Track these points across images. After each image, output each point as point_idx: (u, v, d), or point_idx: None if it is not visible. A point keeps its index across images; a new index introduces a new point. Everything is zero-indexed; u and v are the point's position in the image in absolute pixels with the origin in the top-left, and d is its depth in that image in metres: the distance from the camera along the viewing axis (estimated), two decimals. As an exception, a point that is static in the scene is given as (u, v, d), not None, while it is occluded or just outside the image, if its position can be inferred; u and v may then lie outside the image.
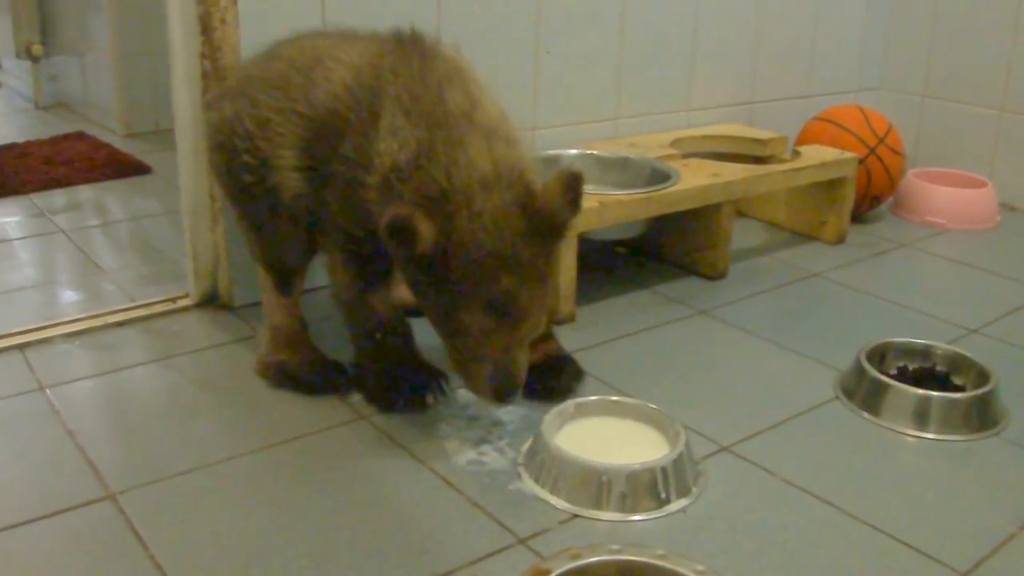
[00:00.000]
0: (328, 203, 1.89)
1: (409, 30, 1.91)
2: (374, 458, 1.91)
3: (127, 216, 3.33)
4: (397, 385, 2.03)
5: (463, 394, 2.10)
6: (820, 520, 1.78)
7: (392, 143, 1.76)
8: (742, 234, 3.20)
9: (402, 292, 2.38)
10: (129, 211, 3.38)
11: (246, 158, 2.00)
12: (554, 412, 1.93)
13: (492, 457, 1.92)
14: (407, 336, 2.04)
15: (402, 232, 1.65)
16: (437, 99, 1.79)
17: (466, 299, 1.70)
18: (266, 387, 2.15)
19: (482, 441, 1.97)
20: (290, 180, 1.95)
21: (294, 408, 2.08)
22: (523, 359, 1.80)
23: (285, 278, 2.14)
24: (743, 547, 1.69)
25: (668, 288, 2.77)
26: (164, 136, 3.98)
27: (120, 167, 3.82)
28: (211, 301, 2.55)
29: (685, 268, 2.90)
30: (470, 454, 1.93)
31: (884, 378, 2.15)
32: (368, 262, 1.94)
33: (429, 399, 2.04)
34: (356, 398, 2.10)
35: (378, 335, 1.99)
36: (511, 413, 2.07)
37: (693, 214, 2.79)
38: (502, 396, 1.79)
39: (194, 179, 2.44)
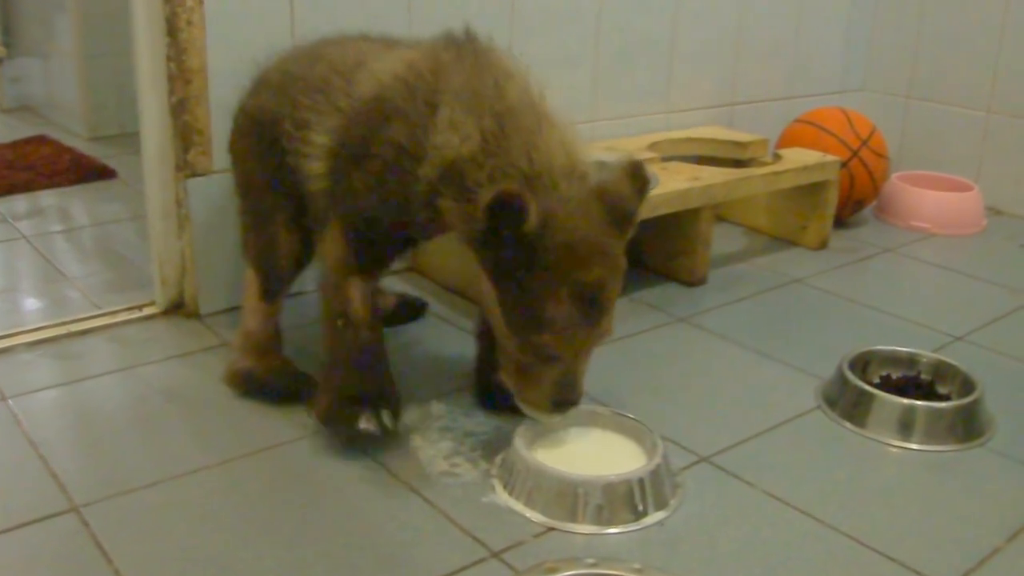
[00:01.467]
0: (353, 184, 1.88)
1: (463, 31, 1.91)
2: (345, 470, 1.91)
3: (91, 222, 3.32)
4: (342, 398, 1.96)
5: (437, 406, 2.10)
6: (801, 533, 1.79)
7: (452, 137, 1.76)
8: (722, 239, 3.21)
9: (383, 300, 2.39)
10: (94, 216, 3.37)
11: (280, 161, 2.02)
12: (528, 423, 1.93)
13: (465, 469, 1.93)
14: (375, 340, 1.98)
15: (512, 208, 1.63)
16: (496, 93, 1.79)
17: (556, 287, 1.68)
18: (235, 397, 2.15)
19: (455, 452, 1.97)
20: (317, 166, 1.94)
21: (263, 419, 2.08)
22: (586, 368, 1.82)
23: (272, 284, 2.14)
24: (722, 561, 1.70)
25: (646, 295, 2.78)
26: (129, 139, 3.97)
27: (84, 171, 3.81)
28: (177, 309, 2.55)
29: (664, 274, 2.91)
30: (442, 466, 1.93)
31: (867, 387, 2.16)
32: (372, 242, 1.93)
33: (362, 423, 1.93)
34: (326, 408, 2.11)
35: (339, 322, 1.95)
36: (484, 424, 2.08)
37: (672, 219, 2.79)
38: (563, 405, 1.80)
39: (160, 184, 2.43)
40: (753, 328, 2.61)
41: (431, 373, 2.12)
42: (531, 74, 1.87)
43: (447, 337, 2.46)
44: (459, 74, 1.82)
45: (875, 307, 2.77)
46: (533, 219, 1.64)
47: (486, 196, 1.64)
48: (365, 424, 1.94)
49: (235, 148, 2.18)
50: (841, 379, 2.20)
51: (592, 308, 1.71)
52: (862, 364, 2.28)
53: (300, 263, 2.15)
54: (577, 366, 1.78)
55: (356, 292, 1.95)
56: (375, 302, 1.99)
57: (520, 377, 1.81)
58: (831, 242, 3.25)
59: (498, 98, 1.78)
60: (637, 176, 1.77)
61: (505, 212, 1.63)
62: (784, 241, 3.28)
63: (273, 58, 2.17)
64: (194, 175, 2.41)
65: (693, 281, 2.86)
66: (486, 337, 2.10)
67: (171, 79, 2.34)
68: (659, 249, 2.90)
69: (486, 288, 1.79)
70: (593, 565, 1.55)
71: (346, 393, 1.96)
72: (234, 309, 2.48)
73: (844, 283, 2.95)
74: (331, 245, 1.95)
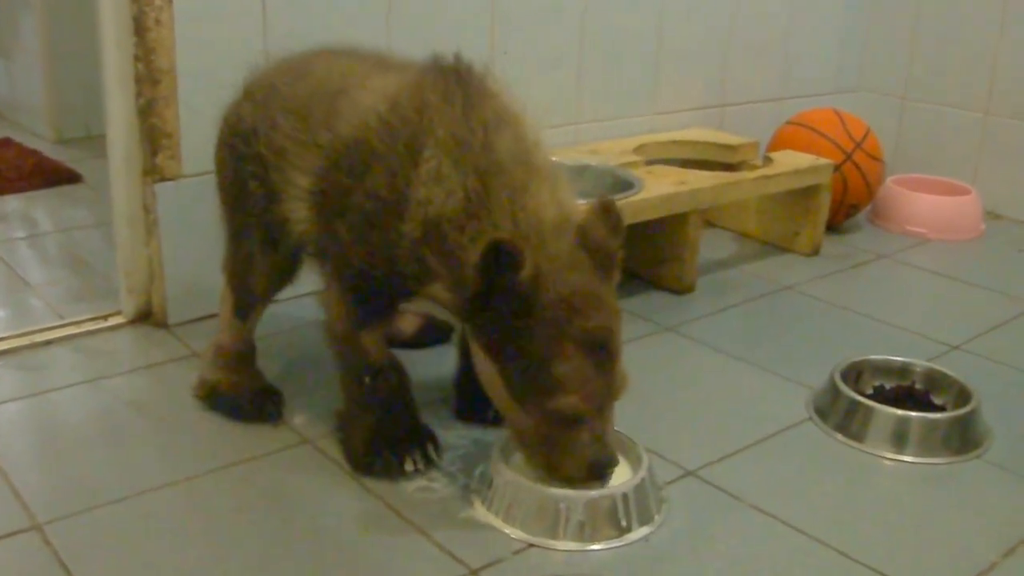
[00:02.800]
0: (339, 235, 1.85)
1: (452, 60, 1.85)
2: (318, 485, 1.92)
3: (56, 228, 3.32)
4: (379, 445, 1.96)
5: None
6: (791, 549, 1.79)
7: (436, 191, 1.73)
8: (710, 245, 3.22)
9: (400, 323, 2.37)
10: (58, 222, 3.37)
11: (254, 184, 2.00)
12: (507, 435, 1.93)
13: (442, 483, 1.93)
14: (402, 381, 1.98)
15: (506, 256, 1.62)
16: (484, 145, 1.75)
17: (561, 342, 1.66)
18: (203, 410, 2.14)
19: (429, 468, 1.98)
20: (299, 210, 1.92)
21: (233, 432, 2.08)
22: (613, 425, 1.78)
23: (246, 302, 2.14)
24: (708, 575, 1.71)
25: (632, 303, 2.78)
26: (96, 142, 3.96)
27: (49, 175, 3.80)
28: (145, 318, 2.55)
29: (650, 282, 2.91)
30: (419, 480, 1.93)
31: (860, 398, 2.17)
32: (370, 298, 1.92)
33: (408, 465, 1.96)
34: (299, 420, 2.11)
35: (368, 379, 1.94)
36: (463, 436, 2.08)
37: (658, 224, 2.80)
38: (601, 469, 1.76)
39: (127, 188, 2.44)
40: (742, 337, 2.62)
41: (417, 387, 2.11)
42: (526, 116, 1.85)
43: (431, 350, 2.47)
44: (446, 118, 1.77)
45: (869, 315, 2.78)
46: (529, 268, 1.63)
47: (475, 253, 1.64)
48: (411, 466, 1.95)
49: (217, 156, 2.14)
50: (833, 389, 2.21)
51: (602, 356, 1.69)
52: (855, 374, 2.29)
53: (277, 284, 2.14)
54: (603, 424, 1.74)
55: (370, 343, 1.94)
56: (396, 327, 1.98)
57: (545, 454, 1.76)
58: (824, 248, 3.26)
59: (485, 151, 1.75)
60: (610, 216, 1.76)
61: (499, 261, 1.62)
62: (775, 247, 3.29)
63: (263, 65, 2.13)
64: (163, 179, 2.41)
65: (680, 289, 2.87)
66: (467, 347, 2.10)
67: (139, 80, 2.34)
68: (645, 256, 2.91)
69: (483, 367, 1.77)
70: (574, 583, 1.55)
71: (383, 439, 1.96)
72: (205, 319, 2.48)
73: (837, 290, 2.96)
74: (332, 300, 1.94)
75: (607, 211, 1.76)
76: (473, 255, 1.65)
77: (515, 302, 1.65)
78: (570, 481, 1.76)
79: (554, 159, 1.88)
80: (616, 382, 1.72)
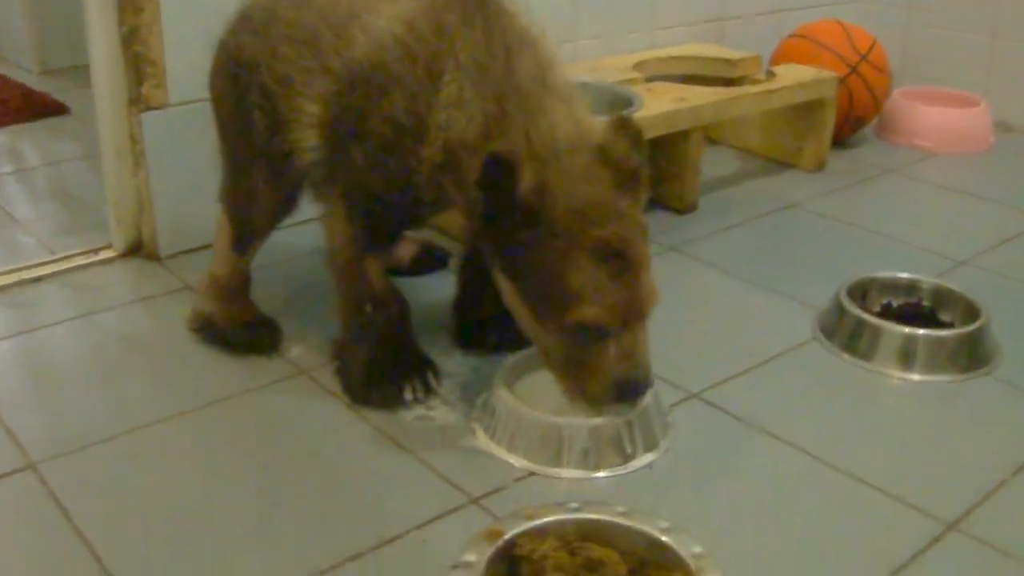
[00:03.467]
0: (354, 161, 1.84)
1: None
2: (315, 416, 1.93)
3: (44, 161, 3.31)
4: (378, 375, 1.97)
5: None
6: (796, 470, 1.80)
7: (457, 116, 1.73)
8: (713, 163, 3.21)
9: (399, 251, 2.37)
10: (46, 156, 3.36)
11: (258, 115, 1.97)
12: (509, 363, 1.94)
13: (442, 412, 1.94)
14: (402, 311, 1.99)
15: (502, 170, 1.61)
16: (505, 68, 1.75)
17: (573, 252, 1.64)
18: (198, 343, 2.15)
19: (429, 397, 1.98)
20: (309, 138, 1.91)
21: (228, 365, 2.08)
22: (647, 346, 1.74)
23: (246, 236, 2.13)
24: (713, 501, 1.72)
25: (634, 224, 2.78)
26: (82, 72, 3.88)
27: (35, 108, 3.79)
28: (136, 251, 2.55)
29: (651, 201, 2.90)
30: (418, 409, 1.94)
31: (866, 316, 2.17)
32: (381, 224, 1.92)
33: (407, 394, 1.97)
34: (295, 351, 2.11)
35: (368, 308, 1.95)
36: (462, 364, 2.08)
37: (659, 142, 2.79)
38: (630, 389, 1.72)
39: (112, 119, 2.42)
40: (746, 256, 2.62)
41: (415, 313, 2.11)
42: (542, 38, 1.84)
43: (429, 277, 2.47)
44: (467, 42, 1.76)
45: (876, 231, 2.78)
46: (528, 182, 1.63)
47: (481, 158, 1.63)
48: (410, 394, 1.96)
49: (213, 88, 2.11)
50: (839, 308, 2.21)
51: (621, 266, 1.65)
52: (861, 292, 2.29)
53: (279, 217, 2.13)
54: (633, 339, 1.70)
55: (374, 271, 1.94)
56: (393, 255, 1.97)
57: (572, 374, 1.73)
58: (829, 163, 3.25)
59: (506, 75, 1.74)
60: (629, 130, 1.73)
61: (497, 174, 1.61)
62: (779, 163, 3.28)
63: None
64: (148, 109, 2.40)
65: (683, 208, 2.87)
66: (467, 271, 2.10)
67: (121, 7, 2.32)
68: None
69: (504, 289, 1.76)
70: (576, 510, 1.56)
71: (381, 369, 1.97)
72: (197, 250, 2.48)
73: (843, 206, 2.95)
74: (337, 224, 1.93)
75: (625, 127, 1.74)
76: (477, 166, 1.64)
77: (521, 215, 1.64)
78: (599, 403, 1.73)
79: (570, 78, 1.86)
80: (641, 295, 1.69)
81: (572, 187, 1.65)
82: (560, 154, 1.68)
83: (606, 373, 1.69)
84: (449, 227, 2.56)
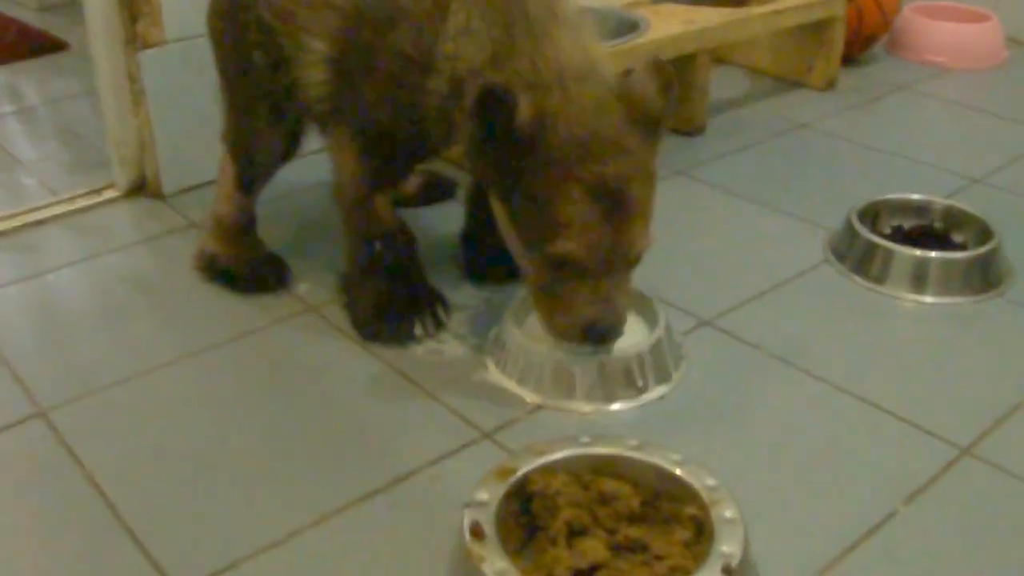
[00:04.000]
0: (363, 95, 1.84)
1: None
2: (324, 353, 1.94)
3: (44, 100, 3.31)
4: (387, 310, 1.98)
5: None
6: (809, 396, 1.82)
7: (465, 45, 1.72)
8: (721, 83, 3.19)
9: (406, 185, 2.36)
10: (46, 94, 3.36)
11: (258, 53, 1.97)
12: (520, 296, 1.94)
13: (452, 346, 1.95)
14: (411, 248, 2.00)
15: (498, 102, 1.60)
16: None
17: (566, 183, 1.62)
18: (204, 282, 2.16)
19: (439, 331, 1.99)
20: (315, 75, 1.90)
21: (235, 304, 2.09)
22: (627, 293, 1.75)
23: (249, 177, 2.13)
24: (725, 431, 1.73)
25: (642, 150, 2.77)
26: (81, 8, 3.93)
27: (34, 45, 3.78)
28: (139, 190, 2.55)
29: (660, 126, 2.90)
30: (429, 344, 1.95)
31: (878, 239, 2.17)
32: (390, 159, 1.92)
33: (418, 329, 1.98)
34: (302, 288, 2.12)
35: (377, 245, 1.95)
36: (473, 296, 2.09)
37: (666, 66, 2.78)
38: (598, 330, 1.72)
39: (109, 59, 2.42)
40: (756, 178, 2.61)
41: (423, 245, 2.10)
42: None
43: (436, 208, 2.47)
44: None
45: (887, 151, 2.77)
46: (525, 113, 1.61)
47: (475, 89, 1.61)
48: (420, 329, 1.97)
49: (210, 26, 2.10)
50: (850, 231, 2.21)
51: (613, 206, 1.64)
52: (872, 214, 2.29)
53: (284, 157, 2.12)
54: (610, 281, 1.70)
55: (382, 207, 1.95)
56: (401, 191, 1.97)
57: (545, 303, 1.75)
58: (839, 82, 3.24)
59: (514, 3, 1.73)
60: (662, 74, 1.70)
61: (493, 107, 1.60)
62: (789, 82, 3.26)
63: None
64: (145, 47, 2.39)
65: (691, 131, 2.86)
66: (476, 201, 2.10)
67: (116, -64, 2.32)
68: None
69: (499, 214, 1.76)
70: (587, 444, 1.56)
71: (391, 304, 1.98)
72: (201, 186, 2.48)
73: (854, 126, 2.94)
74: (345, 160, 1.93)
75: (660, 70, 1.70)
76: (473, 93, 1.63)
77: (516, 145, 1.63)
78: (564, 338, 1.75)
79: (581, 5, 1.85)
80: (629, 239, 1.68)
81: (576, 117, 1.64)
82: (566, 83, 1.67)
83: (575, 311, 1.70)
84: (459, 158, 2.55)
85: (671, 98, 1.71)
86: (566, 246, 1.64)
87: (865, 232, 2.18)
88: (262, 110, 2.04)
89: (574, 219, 1.63)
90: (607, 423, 1.76)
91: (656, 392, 1.82)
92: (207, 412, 1.79)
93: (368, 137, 1.88)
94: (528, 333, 1.86)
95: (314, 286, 2.13)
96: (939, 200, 2.31)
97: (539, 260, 1.69)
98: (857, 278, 2.15)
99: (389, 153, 1.90)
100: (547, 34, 1.71)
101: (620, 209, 1.65)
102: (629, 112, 1.67)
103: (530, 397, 1.80)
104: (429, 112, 1.78)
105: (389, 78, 1.79)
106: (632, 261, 1.72)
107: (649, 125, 1.69)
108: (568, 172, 1.62)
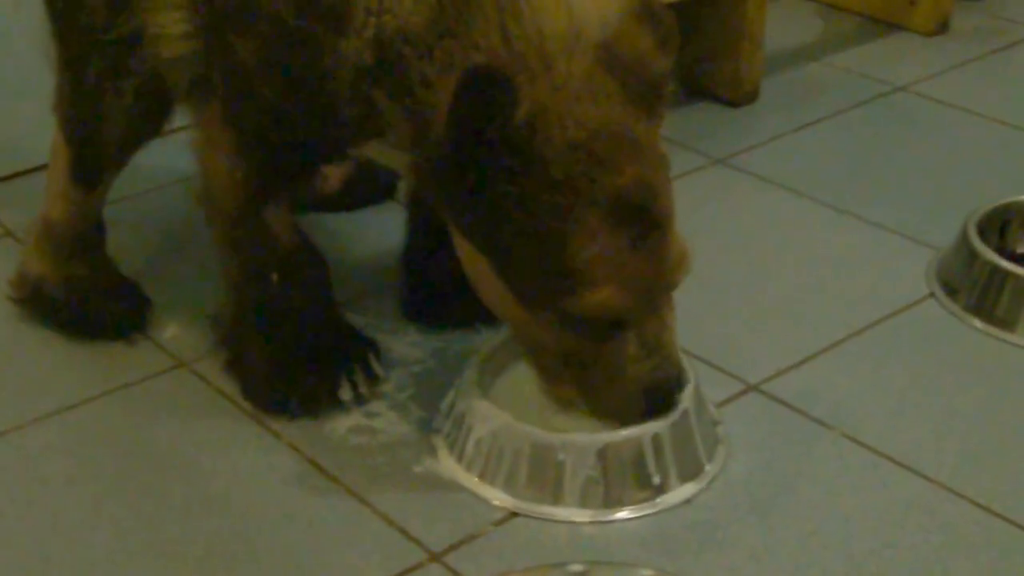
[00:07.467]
0: (239, 57, 1.81)
1: None
2: (202, 429, 1.93)
3: None
4: (293, 369, 1.98)
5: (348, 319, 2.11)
6: (910, 505, 1.80)
7: None
8: (782, 27, 3.19)
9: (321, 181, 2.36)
10: None
11: None
12: (486, 349, 1.94)
13: (388, 420, 1.95)
14: (321, 275, 1.99)
15: (491, 90, 1.57)
16: None
17: (578, 209, 1.61)
18: (26, 320, 2.15)
19: (372, 395, 1.99)
20: (172, 23, 1.86)
21: (77, 353, 2.09)
22: (672, 328, 1.75)
23: (91, 166, 2.12)
24: (780, 554, 1.72)
25: (666, 122, 2.76)
26: None
27: None
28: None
29: (693, 88, 2.90)
30: (353, 417, 1.95)
31: (1006, 264, 2.17)
32: (282, 155, 1.90)
33: (344, 393, 1.98)
34: (169, 333, 2.13)
35: (273, 277, 1.94)
36: (419, 346, 2.09)
37: (705, 4, 2.78)
38: (661, 396, 1.76)
39: None
40: (829, 171, 2.61)
41: (345, 268, 2.11)
42: None
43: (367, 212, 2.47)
44: None
45: (1020, 127, 2.77)
46: (523, 105, 1.59)
47: (447, 93, 1.59)
48: (347, 393, 1.97)
49: None
50: (967, 250, 2.21)
51: (642, 226, 1.64)
52: (999, 225, 2.29)
53: (138, 138, 2.11)
54: (658, 325, 1.72)
55: (277, 222, 1.93)
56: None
57: (575, 377, 1.75)
58: (954, 22, 3.24)
59: None
60: (657, 23, 1.69)
61: (481, 99, 1.57)
62: (881, 23, 3.27)
63: None
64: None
65: (737, 98, 2.87)
66: (423, 207, 2.07)
67: None
68: (684, 50, 2.88)
69: (469, 261, 1.74)
70: (581, 573, 1.57)
71: (298, 361, 1.98)
72: (20, 176, 2.48)
73: (970, 90, 2.95)
74: (219, 157, 1.91)
75: (652, 17, 1.69)
76: (444, 94, 1.60)
77: (509, 157, 1.60)
78: (622, 418, 1.75)
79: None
80: (670, 261, 1.68)
81: (572, 111, 1.62)
82: (552, 60, 1.63)
83: (628, 377, 1.70)
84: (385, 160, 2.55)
85: (671, 53, 1.71)
86: (596, 297, 1.63)
87: (988, 252, 2.18)
88: (107, 76, 2.01)
89: (599, 259, 1.63)
90: (609, 541, 1.74)
91: (680, 493, 1.81)
92: (42, 512, 1.79)
93: (249, 121, 1.86)
94: (497, 402, 1.86)
95: (184, 330, 2.14)
96: (1095, 206, 2.32)
97: (552, 321, 1.69)
98: (976, 321, 2.16)
99: (280, 147, 1.88)
100: None
101: (652, 228, 1.65)
102: (623, 86, 1.66)
103: (499, 499, 1.80)
104: (339, 87, 1.75)
105: (279, 32, 1.75)
106: (674, 286, 1.72)
107: (648, 96, 1.69)
108: (578, 193, 1.61)
